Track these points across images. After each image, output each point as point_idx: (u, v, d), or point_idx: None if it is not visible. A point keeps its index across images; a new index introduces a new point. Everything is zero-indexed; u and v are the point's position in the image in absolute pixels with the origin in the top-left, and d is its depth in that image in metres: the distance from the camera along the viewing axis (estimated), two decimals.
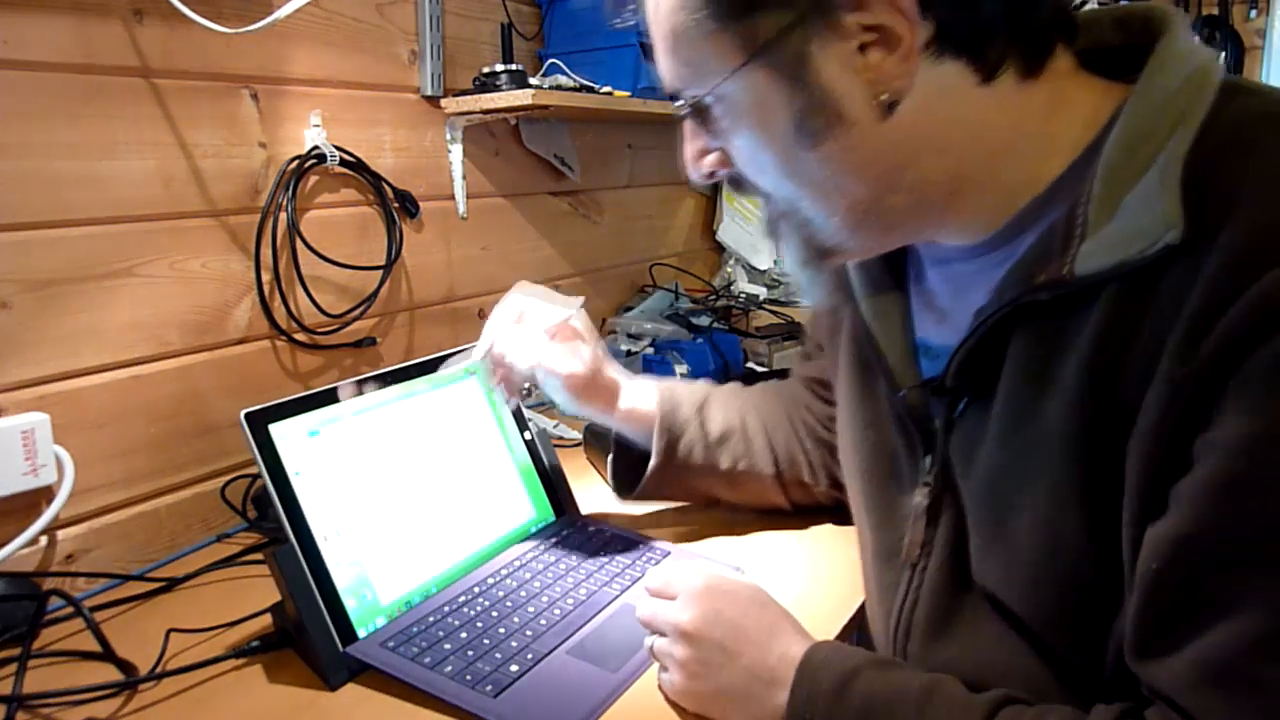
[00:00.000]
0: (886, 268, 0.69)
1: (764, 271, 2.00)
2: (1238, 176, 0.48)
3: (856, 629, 0.81)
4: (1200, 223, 0.47)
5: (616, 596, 0.83)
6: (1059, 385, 0.53)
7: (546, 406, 1.36)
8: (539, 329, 0.88)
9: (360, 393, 0.86)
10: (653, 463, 0.93)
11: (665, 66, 0.60)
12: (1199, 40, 0.55)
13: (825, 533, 0.97)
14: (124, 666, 0.76)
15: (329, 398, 0.83)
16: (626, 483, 0.98)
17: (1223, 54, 2.01)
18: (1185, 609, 0.48)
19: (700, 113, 0.60)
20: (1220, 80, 0.51)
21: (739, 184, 0.64)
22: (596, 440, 1.16)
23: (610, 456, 1.00)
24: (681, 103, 0.60)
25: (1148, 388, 0.48)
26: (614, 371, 0.93)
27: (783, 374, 1.11)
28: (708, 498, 1.00)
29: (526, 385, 0.93)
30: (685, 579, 0.70)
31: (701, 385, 1.00)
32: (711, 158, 0.63)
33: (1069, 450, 0.53)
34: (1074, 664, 0.57)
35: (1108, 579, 0.53)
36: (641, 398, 0.94)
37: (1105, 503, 0.52)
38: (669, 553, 0.92)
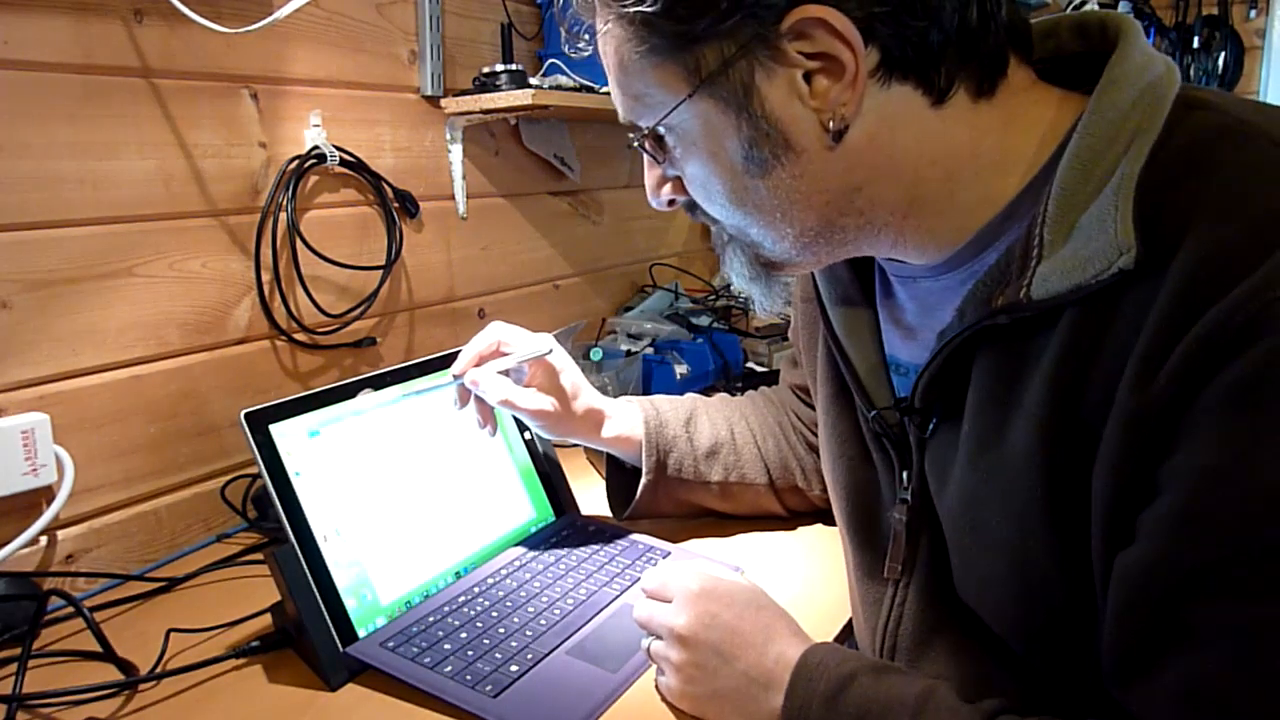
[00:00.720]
0: (854, 281, 0.69)
1: None
2: (1191, 198, 0.47)
3: (852, 634, 0.81)
4: (1154, 245, 0.47)
5: (616, 597, 0.83)
6: (1023, 408, 0.53)
7: None
8: (511, 364, 0.87)
9: (360, 393, 0.86)
10: (643, 481, 0.93)
11: (617, 99, 0.61)
12: (1173, 41, 0.54)
13: (824, 533, 0.97)
14: (124, 666, 0.76)
15: (329, 398, 0.83)
16: (621, 502, 0.98)
17: (1222, 54, 2.01)
18: (1158, 638, 0.47)
19: (654, 142, 0.60)
20: (1176, 93, 0.51)
21: (694, 210, 0.64)
22: None
23: (607, 475, 1.00)
24: (634, 134, 0.61)
25: (1108, 414, 0.48)
26: (595, 400, 0.92)
27: (775, 377, 1.11)
28: (702, 510, 1.00)
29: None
30: (681, 581, 0.69)
31: (688, 398, 1.00)
32: (669, 186, 0.64)
33: (1035, 473, 0.52)
34: (1055, 680, 0.57)
35: (1080, 598, 0.53)
36: (626, 423, 0.94)
37: (1073, 525, 0.51)
38: (669, 553, 0.92)
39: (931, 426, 0.61)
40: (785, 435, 0.98)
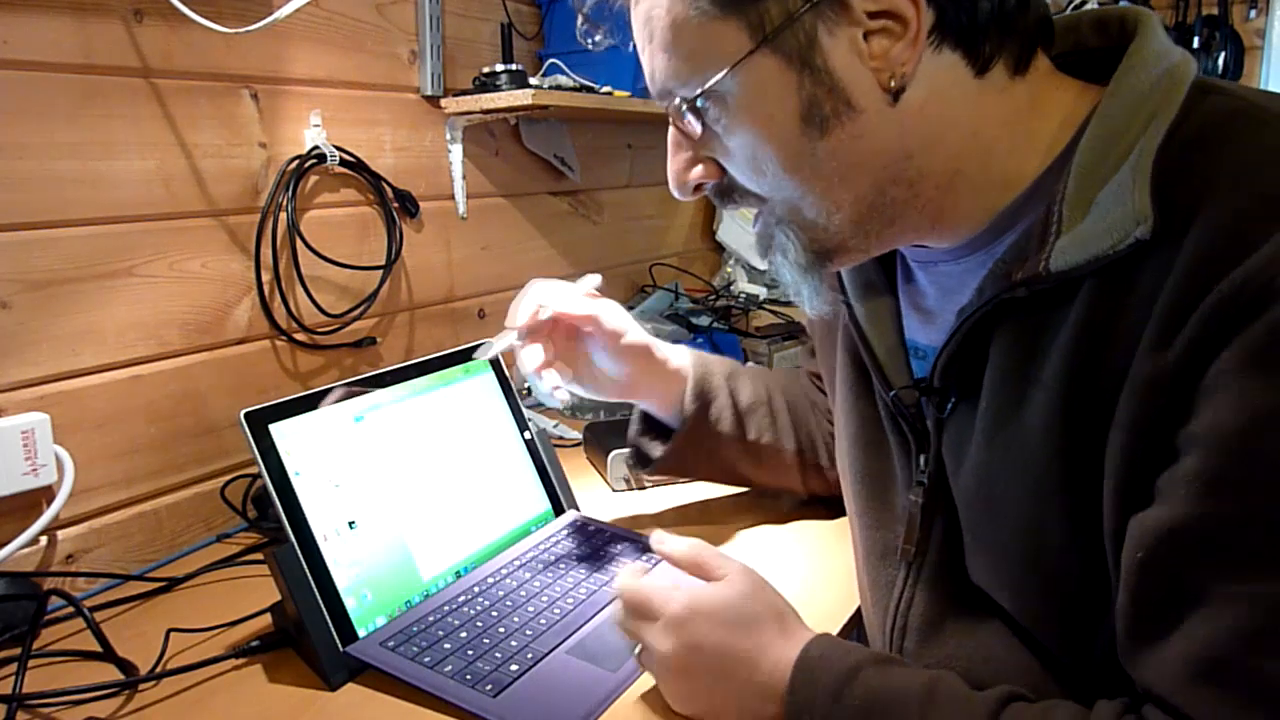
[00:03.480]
0: (878, 271, 0.69)
1: (764, 271, 2.00)
2: (1207, 171, 0.48)
3: (856, 627, 0.81)
4: (1171, 217, 0.48)
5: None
6: (1040, 382, 0.53)
7: (545, 407, 1.36)
8: (546, 315, 0.86)
9: (360, 393, 0.86)
10: (684, 426, 0.93)
11: (661, 64, 0.59)
12: (1173, 41, 0.56)
13: (826, 530, 0.97)
14: (124, 666, 0.76)
15: (329, 397, 0.83)
16: (647, 456, 0.96)
17: (1222, 54, 2.01)
18: (1171, 603, 0.48)
19: (694, 113, 0.58)
20: (1192, 79, 0.52)
21: (726, 195, 0.62)
22: (597, 440, 1.16)
23: (634, 426, 0.98)
24: (675, 102, 0.59)
25: (1125, 382, 0.49)
26: (643, 336, 0.93)
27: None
28: (728, 473, 0.99)
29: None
30: (663, 601, 0.66)
31: (729, 359, 1.01)
32: (699, 169, 0.62)
33: (1051, 446, 0.53)
34: (1067, 660, 0.57)
35: (1094, 575, 0.53)
36: (675, 355, 0.94)
37: (1088, 498, 0.52)
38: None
39: (949, 407, 0.62)
40: (812, 412, 1.00)
